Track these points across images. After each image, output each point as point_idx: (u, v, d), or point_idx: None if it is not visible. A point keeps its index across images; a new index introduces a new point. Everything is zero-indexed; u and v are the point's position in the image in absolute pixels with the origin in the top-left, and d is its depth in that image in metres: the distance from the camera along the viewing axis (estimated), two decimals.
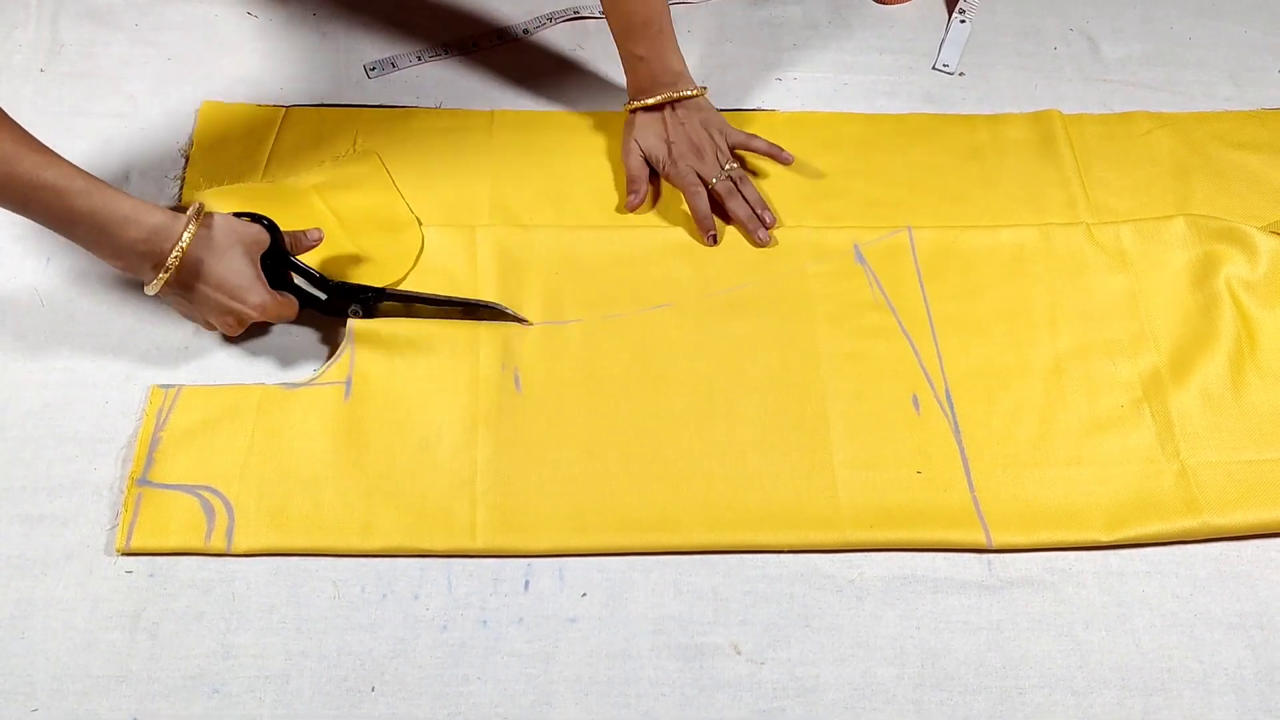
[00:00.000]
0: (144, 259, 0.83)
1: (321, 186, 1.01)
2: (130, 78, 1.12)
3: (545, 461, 0.88)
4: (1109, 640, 0.81)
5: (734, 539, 0.84)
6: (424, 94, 1.13)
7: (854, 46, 1.21)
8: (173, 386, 0.90)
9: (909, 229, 1.02)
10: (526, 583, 0.83)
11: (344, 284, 0.94)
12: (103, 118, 1.08)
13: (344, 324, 0.93)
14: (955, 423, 0.91)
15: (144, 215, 0.81)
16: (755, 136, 1.07)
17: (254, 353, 0.93)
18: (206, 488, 0.85)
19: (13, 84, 1.10)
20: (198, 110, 1.09)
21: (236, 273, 0.86)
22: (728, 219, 1.03)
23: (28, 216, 0.80)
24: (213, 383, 0.91)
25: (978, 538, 0.85)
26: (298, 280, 0.93)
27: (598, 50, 1.18)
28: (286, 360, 0.93)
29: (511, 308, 0.95)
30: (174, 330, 0.93)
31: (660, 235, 1.02)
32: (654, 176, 1.06)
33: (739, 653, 0.80)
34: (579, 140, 1.10)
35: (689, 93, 1.05)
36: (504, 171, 1.06)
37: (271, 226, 0.90)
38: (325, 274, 0.94)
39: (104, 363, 0.91)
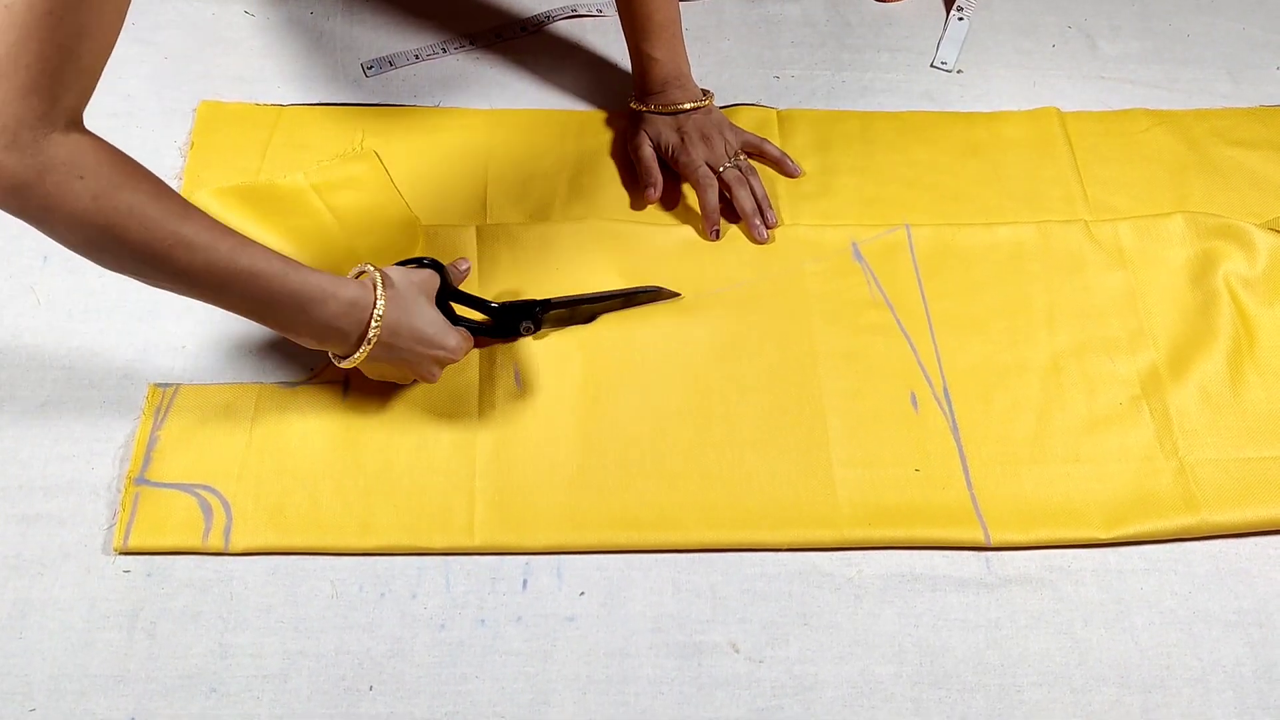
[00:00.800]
0: (345, 333, 0.81)
1: (320, 186, 1.01)
2: (127, 77, 1.11)
3: (543, 459, 0.87)
4: (1108, 638, 0.81)
5: (732, 537, 0.84)
6: (421, 93, 1.13)
7: (852, 44, 1.21)
8: (170, 385, 0.90)
9: (907, 227, 1.02)
10: (524, 581, 0.83)
11: (511, 304, 0.93)
12: (99, 117, 1.06)
13: None
14: (953, 420, 0.90)
15: (339, 289, 0.79)
16: (767, 141, 1.08)
17: (252, 351, 0.93)
18: (204, 486, 0.85)
19: None
20: (195, 110, 1.09)
21: (429, 322, 0.85)
22: (729, 214, 1.03)
23: (218, 303, 0.77)
24: (210, 381, 0.90)
25: (976, 535, 0.85)
26: (459, 311, 0.92)
27: (596, 48, 1.18)
28: (284, 359, 0.92)
29: (664, 286, 0.97)
30: (171, 329, 0.93)
31: (660, 233, 1.02)
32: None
33: (737, 651, 0.80)
34: (579, 139, 1.10)
35: (702, 103, 1.05)
36: (503, 170, 1.06)
37: (436, 265, 0.89)
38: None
39: (101, 362, 0.91)
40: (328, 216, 0.98)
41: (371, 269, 0.82)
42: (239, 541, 0.82)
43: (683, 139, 1.04)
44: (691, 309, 0.96)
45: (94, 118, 1.06)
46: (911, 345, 0.95)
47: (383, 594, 0.82)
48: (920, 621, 0.82)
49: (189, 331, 0.94)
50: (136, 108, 1.09)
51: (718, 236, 1.02)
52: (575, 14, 1.21)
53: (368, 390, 0.90)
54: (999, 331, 0.96)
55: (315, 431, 0.88)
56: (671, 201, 1.05)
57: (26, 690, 0.76)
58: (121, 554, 0.82)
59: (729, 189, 1.03)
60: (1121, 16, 1.26)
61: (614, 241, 1.01)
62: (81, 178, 0.68)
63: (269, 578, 0.82)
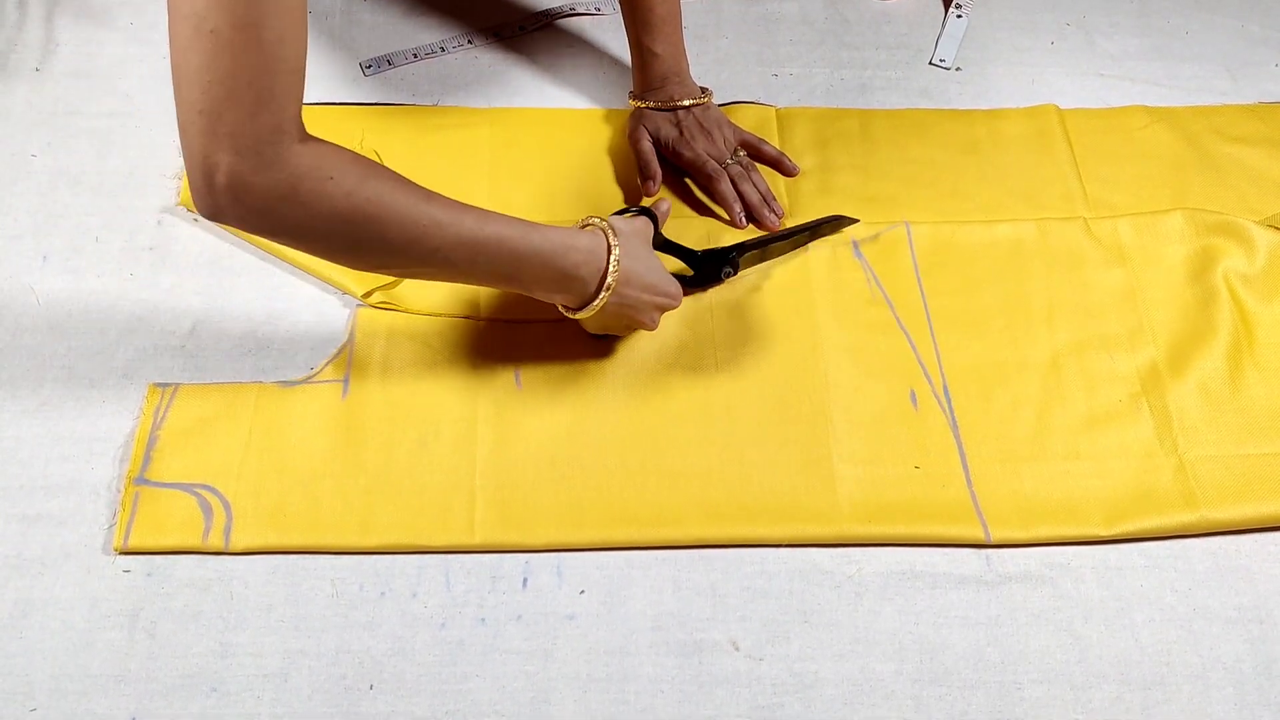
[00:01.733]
0: (585, 281, 0.83)
1: None
2: (126, 76, 1.11)
3: (544, 457, 0.87)
4: (1108, 635, 0.81)
5: (732, 533, 0.84)
6: (420, 92, 1.13)
7: (850, 42, 1.21)
8: (170, 385, 0.89)
9: (906, 224, 1.02)
10: (525, 580, 0.83)
11: (712, 250, 0.97)
12: (99, 117, 1.08)
13: (344, 319, 0.94)
14: (953, 418, 0.91)
15: (577, 240, 0.83)
16: (764, 140, 1.08)
17: (251, 351, 0.93)
18: (204, 486, 0.85)
19: (8, 84, 1.09)
20: None
21: (653, 270, 0.88)
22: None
23: (467, 276, 0.82)
24: (210, 381, 0.90)
25: (976, 533, 0.85)
26: (687, 256, 0.96)
27: (594, 46, 1.18)
28: (284, 358, 0.92)
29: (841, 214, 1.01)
30: (171, 329, 0.93)
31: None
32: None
33: (737, 649, 0.80)
34: (577, 137, 1.10)
35: (701, 100, 1.06)
36: (502, 169, 1.06)
37: (648, 213, 0.92)
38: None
39: (101, 361, 0.91)
40: None
41: (597, 220, 0.85)
42: (239, 541, 0.82)
43: (681, 133, 1.05)
44: (692, 306, 0.96)
45: (93, 117, 1.07)
46: (911, 343, 0.95)
47: (383, 593, 0.82)
48: (920, 619, 0.82)
49: (188, 331, 0.93)
50: (136, 107, 1.09)
51: (746, 222, 1.02)
52: (574, 12, 1.20)
53: (368, 389, 0.90)
54: (998, 329, 0.96)
55: (315, 431, 0.88)
56: (668, 198, 1.05)
57: (27, 690, 0.76)
58: (122, 554, 0.82)
59: (734, 182, 1.03)
60: (1120, 13, 1.26)
61: None
62: (331, 178, 0.70)
63: (269, 577, 0.82)
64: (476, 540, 0.83)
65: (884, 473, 0.88)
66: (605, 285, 0.83)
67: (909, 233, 1.01)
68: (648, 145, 1.05)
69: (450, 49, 1.17)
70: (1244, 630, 0.82)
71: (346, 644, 0.79)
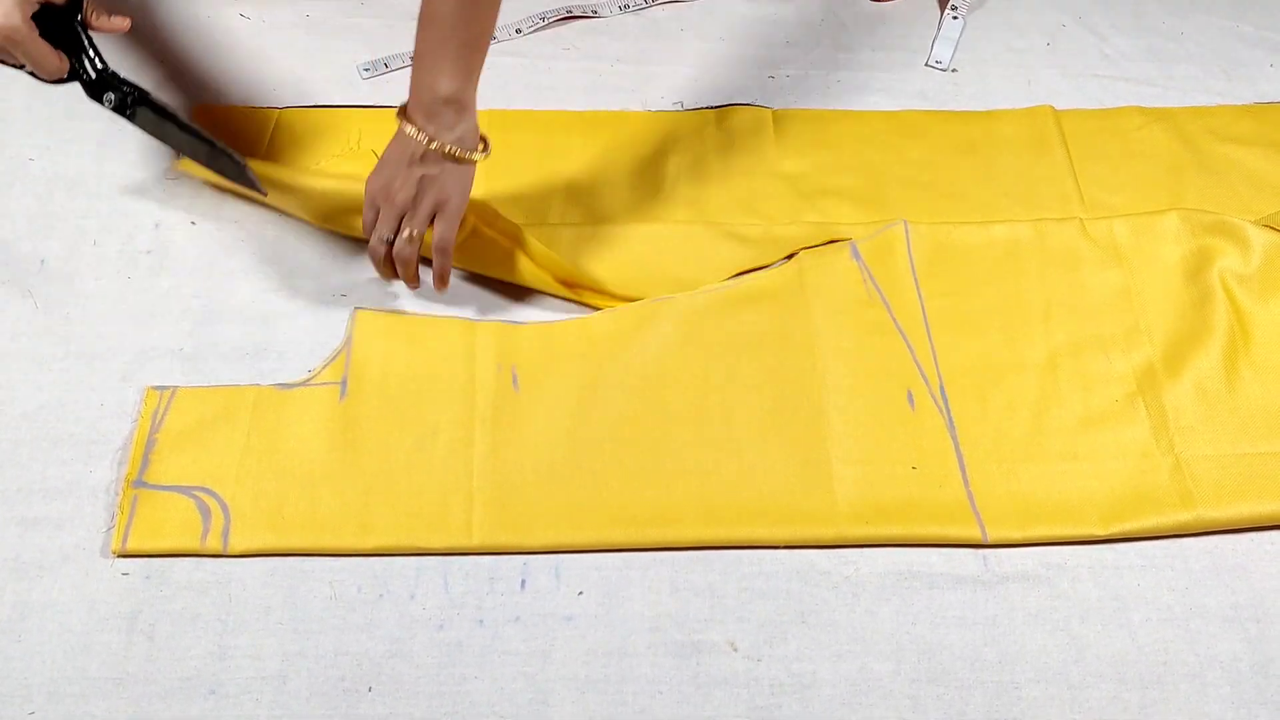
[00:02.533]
0: None
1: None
2: None
3: (541, 459, 0.88)
4: (1105, 634, 0.82)
5: (730, 534, 0.84)
6: None
7: (847, 43, 1.22)
8: (168, 388, 0.90)
9: (904, 224, 1.02)
10: (523, 582, 0.83)
11: (114, 73, 0.93)
12: (97, 120, 1.08)
13: (341, 321, 0.94)
14: (950, 418, 0.91)
15: None
16: (443, 261, 0.91)
17: (249, 354, 0.93)
18: (202, 489, 0.85)
19: (5, 88, 1.10)
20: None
21: None
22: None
23: None
24: (208, 384, 0.91)
25: (973, 533, 0.85)
26: (88, 55, 0.91)
27: (590, 50, 1.19)
28: (282, 361, 0.93)
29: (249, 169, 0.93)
30: (169, 332, 0.94)
31: (654, 230, 1.02)
32: None
33: (735, 650, 0.80)
34: (573, 139, 1.10)
35: (458, 155, 0.88)
36: (497, 171, 1.06)
37: None
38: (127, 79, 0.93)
39: (99, 365, 0.91)
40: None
41: None
42: (237, 543, 0.82)
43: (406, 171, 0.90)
44: (689, 307, 0.96)
45: (89, 120, 1.07)
46: (908, 343, 0.95)
47: (381, 595, 0.82)
48: (918, 619, 0.82)
49: (186, 334, 0.94)
50: (121, 129, 1.09)
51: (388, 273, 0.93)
52: (570, 15, 1.21)
53: (366, 392, 0.90)
54: (995, 329, 0.96)
55: (312, 433, 0.88)
56: (662, 202, 1.05)
57: (25, 693, 0.76)
58: (120, 556, 0.82)
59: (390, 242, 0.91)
60: (1115, 15, 1.26)
61: (609, 242, 1.01)
62: None
63: (267, 579, 0.82)
64: (474, 542, 0.83)
65: (881, 473, 0.88)
66: None
67: (907, 233, 1.01)
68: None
69: None
70: (1241, 629, 0.82)
71: (345, 646, 0.79)
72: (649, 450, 0.88)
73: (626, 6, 1.23)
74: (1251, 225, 1.00)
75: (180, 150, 0.97)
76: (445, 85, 0.86)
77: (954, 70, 1.19)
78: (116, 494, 0.85)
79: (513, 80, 1.15)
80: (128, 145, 1.06)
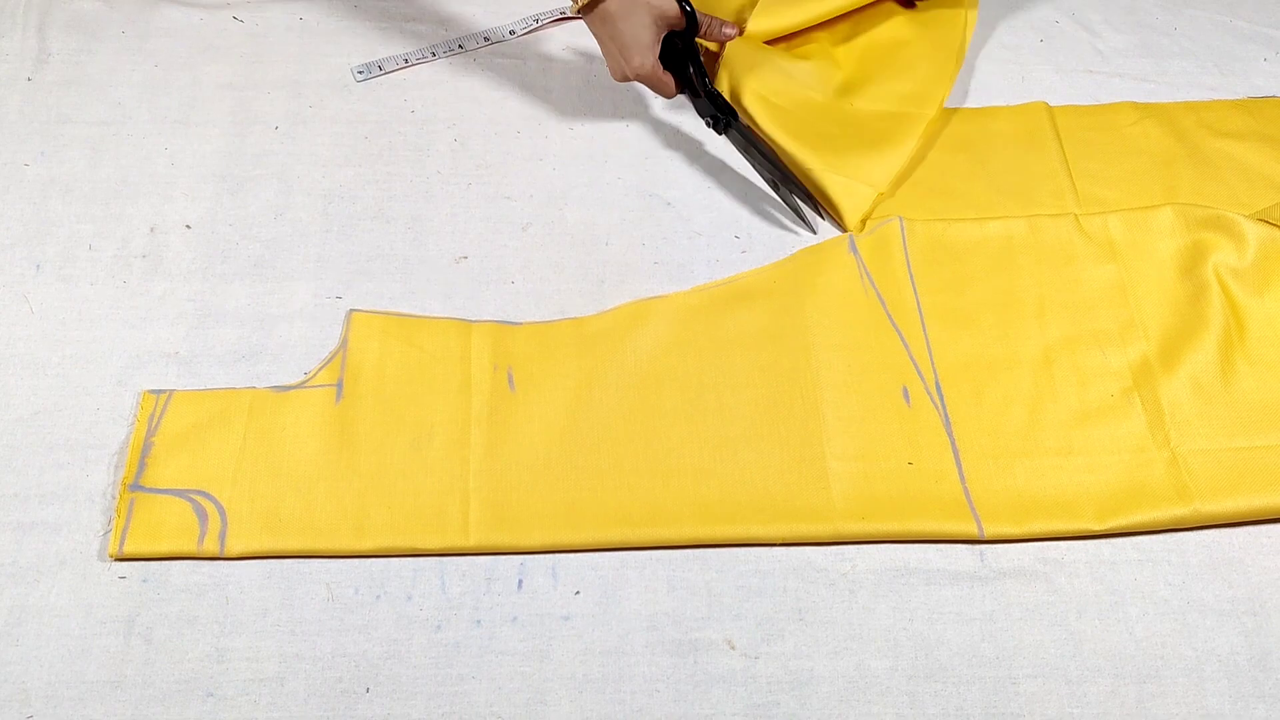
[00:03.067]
0: None
1: None
2: (118, 85, 1.12)
3: (538, 459, 0.88)
4: (1102, 629, 0.82)
5: (726, 532, 0.84)
6: (411, 96, 1.13)
7: None
8: (164, 391, 0.90)
9: (900, 220, 1.02)
10: (520, 582, 0.83)
11: (715, 93, 1.03)
12: (91, 125, 1.08)
13: (337, 323, 0.94)
14: (945, 414, 0.91)
15: None
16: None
17: (244, 357, 0.93)
18: (199, 492, 0.85)
19: (0, 93, 1.10)
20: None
21: (630, 35, 0.98)
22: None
23: None
24: (204, 387, 0.91)
25: (969, 529, 0.85)
26: (696, 72, 1.03)
27: (586, 51, 1.19)
28: (277, 364, 0.93)
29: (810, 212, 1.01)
30: (164, 336, 0.94)
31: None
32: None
33: (733, 647, 0.80)
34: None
35: None
36: None
37: (691, 14, 0.99)
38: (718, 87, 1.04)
39: (94, 369, 0.91)
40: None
41: None
42: (234, 546, 0.82)
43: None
44: (684, 305, 0.97)
45: (85, 126, 1.07)
46: (903, 339, 0.95)
47: (378, 596, 0.82)
48: (915, 615, 0.82)
49: (181, 338, 0.94)
50: (128, 116, 1.09)
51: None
52: (564, 17, 1.21)
53: (361, 393, 0.90)
54: (990, 325, 0.96)
55: (308, 435, 0.88)
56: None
57: (23, 698, 0.76)
58: (117, 560, 0.82)
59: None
60: (1109, 10, 1.26)
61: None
62: None
63: (264, 581, 0.82)
64: (471, 542, 0.83)
65: (877, 469, 0.88)
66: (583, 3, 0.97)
67: (903, 229, 1.01)
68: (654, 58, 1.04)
69: (441, 54, 1.17)
70: (1238, 623, 0.82)
71: (342, 647, 0.79)
72: (644, 449, 0.88)
73: None
74: (1246, 219, 1.00)
75: (759, 173, 1.04)
76: None
77: None
78: (113, 498, 0.85)
79: (507, 82, 1.15)
80: (122, 150, 1.06)
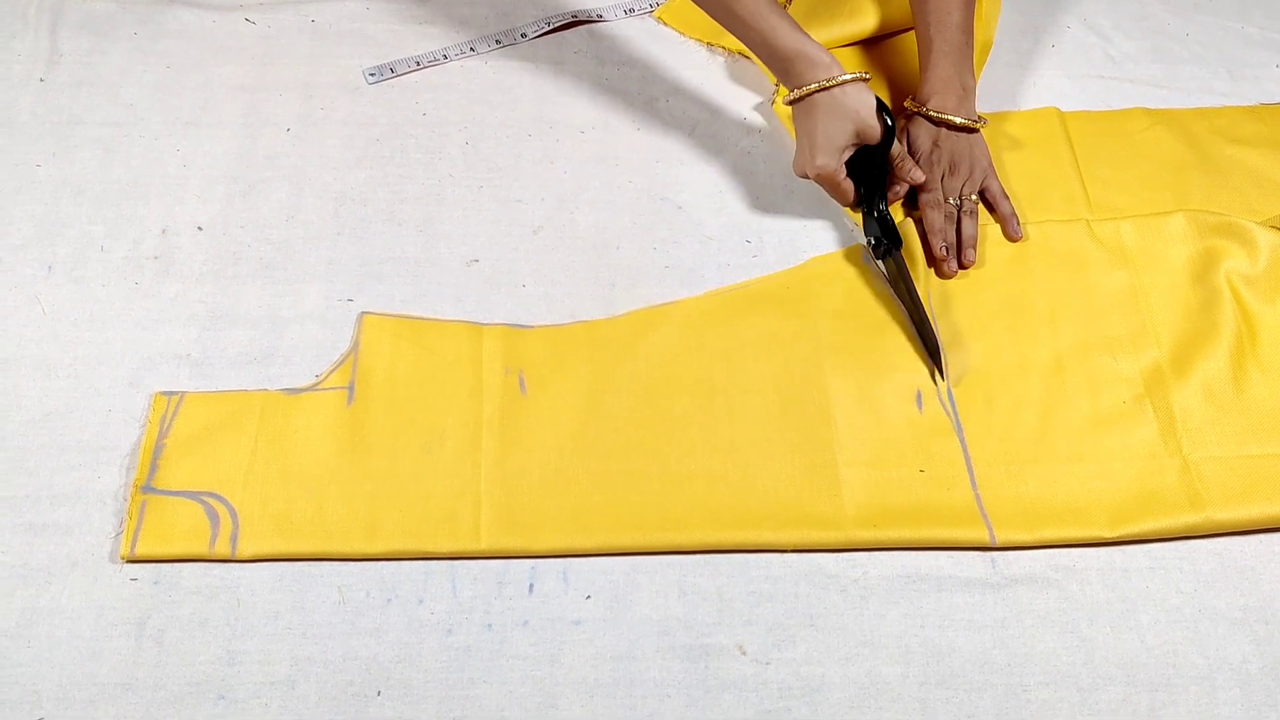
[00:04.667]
0: (787, 79, 1.00)
1: None
2: (130, 86, 1.12)
3: (549, 463, 0.88)
4: (1114, 637, 0.81)
5: (737, 538, 0.84)
6: (423, 99, 1.13)
7: None
8: (176, 393, 0.90)
9: (913, 222, 1.02)
10: (531, 586, 0.83)
11: (888, 217, 1.01)
12: (102, 126, 1.08)
13: (348, 326, 0.94)
14: (957, 421, 0.91)
15: (815, 56, 0.98)
16: (1007, 196, 1.06)
17: (256, 359, 0.93)
18: (211, 494, 0.85)
19: (12, 93, 1.10)
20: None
21: (825, 136, 0.98)
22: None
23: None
24: (215, 389, 0.91)
25: (981, 535, 0.85)
26: (880, 191, 1.02)
27: (597, 53, 1.19)
28: (289, 366, 0.93)
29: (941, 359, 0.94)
30: (176, 337, 0.94)
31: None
32: None
33: (744, 653, 0.80)
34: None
35: (974, 123, 1.06)
36: None
37: (889, 130, 0.99)
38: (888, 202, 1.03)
39: (106, 371, 0.92)
40: None
41: (846, 76, 0.97)
42: (246, 548, 0.82)
43: (934, 149, 1.06)
44: (696, 310, 0.97)
45: (97, 127, 1.07)
46: (916, 344, 0.95)
47: (389, 600, 0.82)
48: (926, 622, 0.82)
49: (193, 340, 0.94)
50: (139, 116, 1.09)
51: (950, 259, 1.01)
52: (576, 20, 1.21)
53: (373, 396, 0.90)
54: (1001, 331, 0.96)
55: (320, 437, 0.88)
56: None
57: (35, 699, 0.76)
58: (129, 562, 0.82)
59: (939, 220, 1.03)
60: (1120, 16, 1.26)
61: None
62: None
63: (276, 584, 0.82)
64: (482, 545, 0.83)
65: (889, 476, 0.88)
66: (791, 95, 0.99)
67: (916, 233, 1.01)
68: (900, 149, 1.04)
69: (453, 56, 1.17)
70: (1250, 631, 0.82)
71: (353, 651, 0.79)
72: (655, 454, 0.88)
73: (631, 10, 1.23)
74: (1258, 226, 1.00)
75: (901, 305, 0.98)
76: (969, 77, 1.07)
77: None
78: (124, 500, 0.85)
79: (518, 84, 1.15)
80: (134, 151, 1.06)
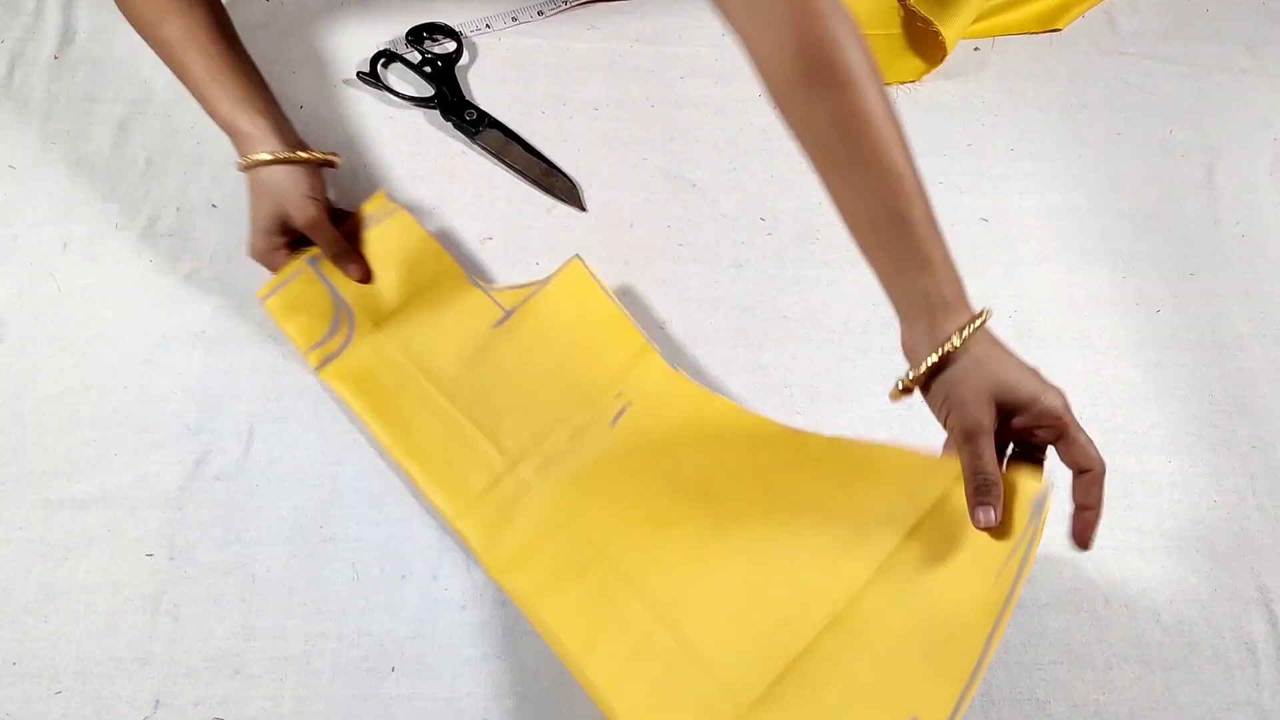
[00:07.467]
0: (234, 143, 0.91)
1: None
2: (144, 63, 1.12)
3: (571, 507, 0.81)
4: (1128, 616, 0.81)
5: None
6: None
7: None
8: (396, 203, 0.96)
9: None
10: None
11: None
12: (117, 104, 1.08)
13: None
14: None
15: (245, 128, 0.89)
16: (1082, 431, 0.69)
17: (272, 336, 0.92)
18: (349, 307, 0.88)
19: (26, 71, 1.10)
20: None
21: (257, 218, 0.90)
22: None
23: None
24: (228, 366, 0.91)
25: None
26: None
27: (611, 30, 1.18)
28: None
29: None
30: (191, 315, 0.94)
31: None
32: None
33: None
34: None
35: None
36: None
37: (334, 210, 0.94)
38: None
39: (122, 347, 0.92)
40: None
41: (287, 154, 0.89)
42: (330, 372, 0.85)
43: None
44: (804, 449, 0.81)
45: (112, 104, 1.07)
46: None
47: (404, 576, 0.82)
48: None
49: (207, 317, 0.94)
50: (154, 94, 1.09)
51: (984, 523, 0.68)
52: (566, 7, 1.21)
53: (519, 335, 0.89)
54: None
55: (455, 333, 0.88)
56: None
57: (52, 673, 0.77)
58: (260, 297, 0.88)
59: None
60: None
61: None
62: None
63: (291, 560, 0.82)
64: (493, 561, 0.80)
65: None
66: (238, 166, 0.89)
67: None
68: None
69: (468, 33, 1.17)
70: (1265, 610, 0.82)
71: (368, 626, 0.80)
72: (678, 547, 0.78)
73: None
74: None
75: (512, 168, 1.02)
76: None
77: (975, 49, 1.18)
78: (139, 488, 0.85)
79: (532, 61, 1.15)
80: (149, 128, 1.06)
